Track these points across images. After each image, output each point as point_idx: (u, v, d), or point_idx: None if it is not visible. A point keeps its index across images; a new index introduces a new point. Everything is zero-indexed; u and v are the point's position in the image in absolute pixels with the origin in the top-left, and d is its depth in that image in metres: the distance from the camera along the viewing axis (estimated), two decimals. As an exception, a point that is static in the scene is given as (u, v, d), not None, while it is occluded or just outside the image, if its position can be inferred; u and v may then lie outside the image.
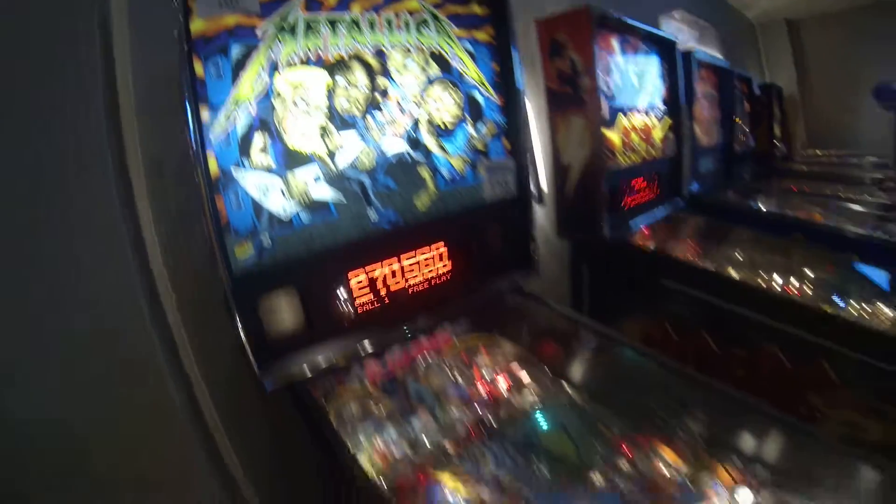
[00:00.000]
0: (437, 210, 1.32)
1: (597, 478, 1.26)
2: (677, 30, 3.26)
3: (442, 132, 1.31)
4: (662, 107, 2.57)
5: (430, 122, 1.28)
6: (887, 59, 5.46)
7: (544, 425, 1.37)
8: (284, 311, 1.10)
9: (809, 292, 2.28)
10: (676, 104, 2.64)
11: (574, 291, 2.33)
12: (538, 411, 1.41)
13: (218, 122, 0.94)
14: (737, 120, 3.94)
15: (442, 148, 1.30)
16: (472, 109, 1.37)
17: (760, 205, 3.70)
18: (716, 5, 4.55)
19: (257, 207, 1.00)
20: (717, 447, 1.33)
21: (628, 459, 1.30)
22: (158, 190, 1.12)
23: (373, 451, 1.19)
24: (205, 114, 0.92)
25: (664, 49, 2.54)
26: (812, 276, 2.52)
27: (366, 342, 1.23)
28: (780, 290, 2.26)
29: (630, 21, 2.19)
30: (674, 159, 2.68)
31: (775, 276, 2.44)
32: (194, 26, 0.92)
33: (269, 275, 1.05)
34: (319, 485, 1.34)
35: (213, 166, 0.93)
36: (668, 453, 1.33)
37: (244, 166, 0.97)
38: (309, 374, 1.15)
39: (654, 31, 2.46)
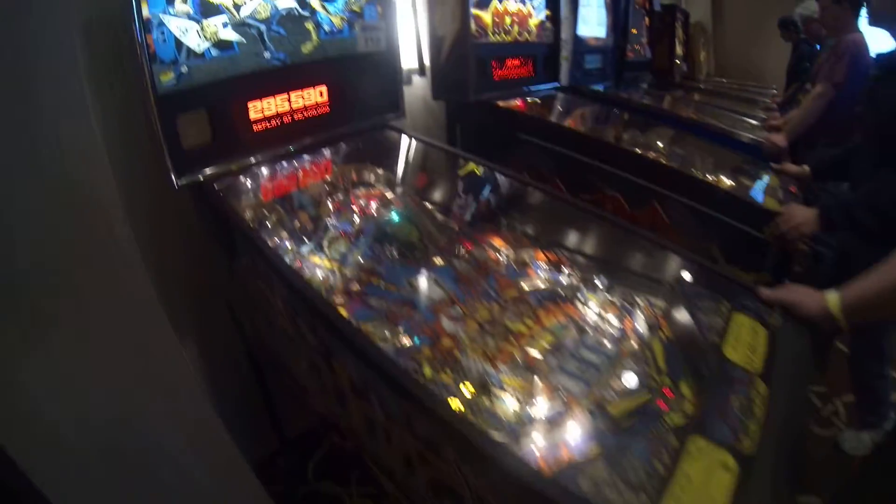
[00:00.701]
0: (319, 55, 1.68)
1: (437, 260, 1.68)
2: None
3: (325, -5, 1.66)
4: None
5: (317, -14, 1.64)
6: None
7: (397, 219, 1.79)
8: (196, 127, 1.44)
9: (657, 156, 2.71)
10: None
11: (450, 146, 2.70)
12: (394, 212, 1.83)
13: (150, -24, 1.26)
14: (633, 31, 4.22)
15: (324, 8, 1.65)
16: (351, -21, 1.72)
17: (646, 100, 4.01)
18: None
19: (178, 43, 1.33)
20: (545, 241, 1.75)
21: (466, 248, 1.74)
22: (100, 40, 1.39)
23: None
24: (140, -30, 1.23)
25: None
26: (660, 145, 2.97)
27: (260, 156, 1.61)
28: (625, 147, 2.67)
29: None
30: (551, 47, 3.03)
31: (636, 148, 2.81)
32: None
33: (185, 97, 1.37)
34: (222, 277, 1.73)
35: (145, 11, 1.24)
36: (499, 243, 1.76)
37: (169, 13, 1.30)
38: (213, 176, 1.49)
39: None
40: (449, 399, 1.14)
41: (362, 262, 1.65)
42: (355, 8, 1.75)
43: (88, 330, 1.33)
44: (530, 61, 2.90)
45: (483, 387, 1.20)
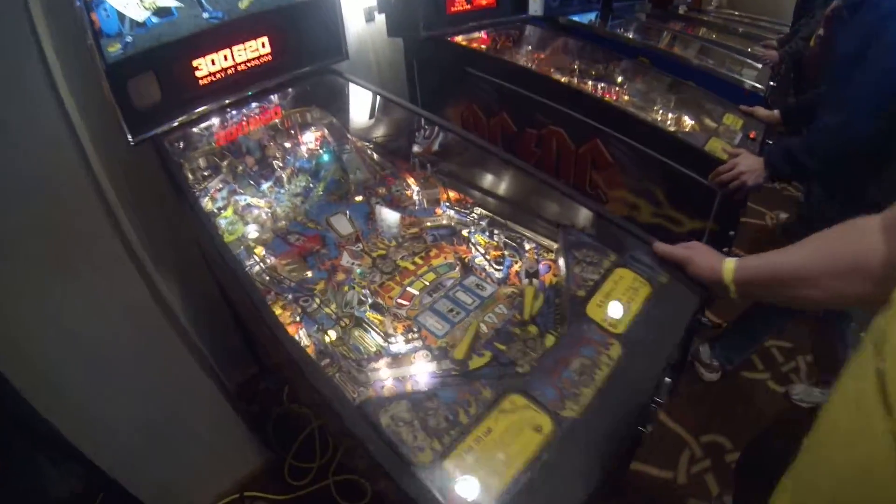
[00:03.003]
0: (257, 8, 1.83)
1: (357, 197, 1.93)
2: None
3: (258, -49, 1.82)
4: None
5: (250, -57, 1.79)
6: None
7: (326, 158, 2.03)
8: (145, 88, 1.64)
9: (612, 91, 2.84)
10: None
11: (409, 82, 2.93)
12: (326, 152, 2.06)
13: (88, -41, 1.43)
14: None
15: (259, -38, 1.81)
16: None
17: (621, 31, 4.00)
18: None
19: (121, 16, 1.50)
20: (460, 182, 1.96)
21: (387, 186, 1.97)
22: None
23: (211, 192, 1.82)
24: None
25: None
26: (620, 79, 3.04)
27: (209, 107, 1.80)
28: (564, 82, 2.77)
29: None
30: (519, -22, 3.11)
31: (589, 82, 2.96)
32: None
33: (132, 63, 1.56)
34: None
35: (87, -10, 1.43)
36: (413, 182, 1.99)
37: (109, -10, 1.48)
38: (165, 130, 1.69)
39: None
40: (289, 328, 1.35)
41: (295, 200, 1.93)
42: (292, -43, 1.89)
43: (80, 272, 1.72)
44: (493, -7, 3.00)
45: (357, 320, 1.44)
